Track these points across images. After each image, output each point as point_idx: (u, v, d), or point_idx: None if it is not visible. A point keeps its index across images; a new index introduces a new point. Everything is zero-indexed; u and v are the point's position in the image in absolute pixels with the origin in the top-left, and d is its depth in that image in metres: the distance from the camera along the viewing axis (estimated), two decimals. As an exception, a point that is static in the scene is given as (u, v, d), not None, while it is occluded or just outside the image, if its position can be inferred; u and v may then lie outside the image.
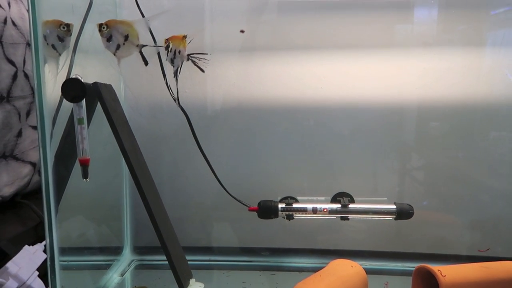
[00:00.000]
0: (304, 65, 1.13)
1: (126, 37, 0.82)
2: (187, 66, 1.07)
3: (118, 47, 0.82)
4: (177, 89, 1.00)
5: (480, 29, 1.12)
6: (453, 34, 1.12)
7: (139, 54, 0.91)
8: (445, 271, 0.84)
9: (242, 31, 1.09)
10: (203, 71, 0.94)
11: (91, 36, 0.99)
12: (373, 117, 1.14)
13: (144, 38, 0.94)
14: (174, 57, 0.87)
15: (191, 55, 0.91)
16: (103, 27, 0.81)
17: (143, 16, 0.98)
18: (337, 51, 1.14)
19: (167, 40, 0.89)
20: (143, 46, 0.86)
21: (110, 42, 0.81)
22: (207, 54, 0.93)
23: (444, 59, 1.11)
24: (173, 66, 0.89)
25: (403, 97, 1.13)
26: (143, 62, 0.90)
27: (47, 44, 0.75)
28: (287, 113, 1.15)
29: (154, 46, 0.89)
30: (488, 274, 0.88)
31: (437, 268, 0.85)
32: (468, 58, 1.12)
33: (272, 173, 1.17)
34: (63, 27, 0.77)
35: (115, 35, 0.81)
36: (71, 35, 0.79)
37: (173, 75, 0.94)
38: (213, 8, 1.13)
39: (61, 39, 0.77)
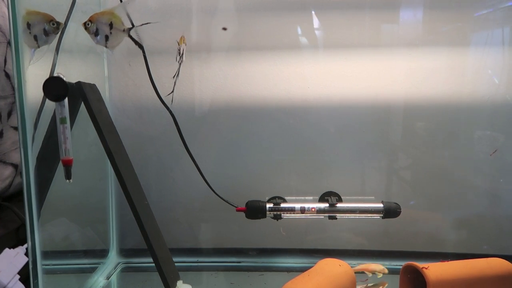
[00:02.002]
0: (291, 65, 1.14)
1: (111, 25, 0.81)
2: (168, 66, 1.07)
3: (106, 38, 0.81)
4: (174, 90, 1.00)
5: (465, 30, 1.13)
6: (438, 34, 1.14)
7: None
8: (431, 268, 0.84)
9: (224, 29, 1.09)
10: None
11: (75, 35, 0.98)
12: (360, 117, 1.15)
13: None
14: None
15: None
16: (88, 24, 0.80)
17: (128, 15, 0.97)
18: (324, 51, 1.14)
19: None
20: (130, 29, 0.84)
21: (98, 36, 0.80)
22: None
23: (429, 59, 1.13)
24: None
25: (390, 96, 1.14)
26: (137, 46, 0.89)
27: (29, 33, 0.74)
28: (274, 113, 1.15)
29: (139, 26, 0.87)
30: (474, 271, 0.89)
31: (423, 265, 0.85)
32: (453, 58, 1.13)
33: (261, 173, 1.17)
34: (53, 24, 0.76)
35: (100, 27, 0.80)
36: (57, 33, 0.78)
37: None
38: (201, 8, 1.13)
39: (46, 33, 0.76)
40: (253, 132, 1.16)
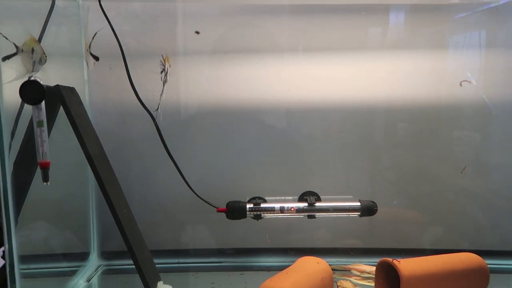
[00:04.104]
0: (273, 68, 1.15)
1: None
2: (151, 69, 1.08)
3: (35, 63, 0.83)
4: (158, 107, 1.01)
5: (445, 32, 1.17)
6: (420, 37, 1.16)
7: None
8: (404, 263, 0.87)
9: (197, 32, 1.10)
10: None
11: (54, 39, 0.98)
12: (342, 118, 1.17)
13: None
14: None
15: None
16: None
17: (107, 18, 0.98)
18: (306, 54, 1.16)
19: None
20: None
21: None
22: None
23: (411, 62, 1.15)
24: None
25: (372, 98, 1.17)
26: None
27: (31, 57, 0.80)
28: (255, 115, 1.17)
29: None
30: (445, 265, 0.92)
31: (396, 260, 0.88)
32: (434, 60, 1.16)
33: (242, 174, 1.18)
34: (45, 57, 0.83)
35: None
36: (44, 64, 0.84)
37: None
38: (185, 12, 1.14)
39: (40, 63, 0.82)
40: (234, 134, 1.17)
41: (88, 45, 1.02)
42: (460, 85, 1.14)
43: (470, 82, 1.13)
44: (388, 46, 1.17)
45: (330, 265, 0.96)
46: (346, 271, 1.08)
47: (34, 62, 0.80)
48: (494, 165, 1.20)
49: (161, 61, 1.03)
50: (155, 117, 1.02)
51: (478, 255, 0.97)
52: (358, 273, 1.06)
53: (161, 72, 1.04)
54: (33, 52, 0.80)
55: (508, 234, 1.08)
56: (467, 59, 1.17)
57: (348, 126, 1.18)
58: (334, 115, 1.17)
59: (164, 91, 1.04)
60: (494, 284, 0.96)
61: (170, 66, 1.04)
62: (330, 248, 1.19)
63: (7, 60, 0.78)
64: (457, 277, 0.92)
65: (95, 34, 1.06)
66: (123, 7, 1.10)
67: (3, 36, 0.78)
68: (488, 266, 0.96)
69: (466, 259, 0.95)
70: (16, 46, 0.79)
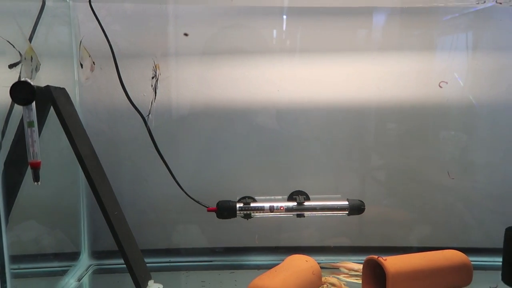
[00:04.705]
0: (263, 69, 1.17)
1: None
2: (141, 69, 1.09)
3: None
4: (149, 112, 1.01)
5: (433, 34, 1.19)
6: (408, 39, 1.19)
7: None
8: (390, 260, 0.89)
9: (185, 34, 1.11)
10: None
11: (45, 39, 0.99)
12: (331, 119, 1.19)
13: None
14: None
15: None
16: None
17: (97, 19, 0.99)
18: (295, 55, 1.18)
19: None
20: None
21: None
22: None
23: (400, 63, 1.17)
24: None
25: (361, 99, 1.19)
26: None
27: (30, 65, 0.84)
28: (245, 116, 1.18)
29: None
30: (430, 262, 0.94)
31: (382, 258, 0.90)
32: (422, 61, 1.18)
33: (233, 174, 1.19)
34: (39, 65, 0.87)
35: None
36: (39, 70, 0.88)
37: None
38: (175, 13, 1.15)
39: (36, 70, 0.86)
40: (224, 135, 1.18)
41: (85, 51, 1.03)
42: (440, 86, 1.17)
43: (447, 83, 1.16)
44: (377, 48, 1.19)
45: (319, 263, 0.98)
46: (335, 269, 1.10)
47: (32, 70, 0.83)
48: (480, 164, 1.22)
49: (153, 67, 1.04)
50: (146, 123, 1.02)
51: (463, 252, 1.00)
52: (346, 271, 1.08)
53: (152, 78, 1.05)
54: (32, 60, 0.83)
55: (492, 232, 1.11)
56: (455, 60, 1.20)
57: (337, 126, 1.19)
58: (323, 116, 1.19)
59: (156, 97, 1.05)
60: (477, 280, 0.99)
61: (160, 74, 1.05)
62: (319, 247, 1.21)
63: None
64: (441, 273, 0.94)
65: (80, 42, 1.07)
66: (114, 8, 1.10)
67: (11, 44, 0.80)
68: (472, 263, 0.98)
69: (450, 256, 0.98)
70: (21, 55, 0.82)
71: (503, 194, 1.21)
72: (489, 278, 1.02)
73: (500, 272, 0.96)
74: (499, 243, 0.97)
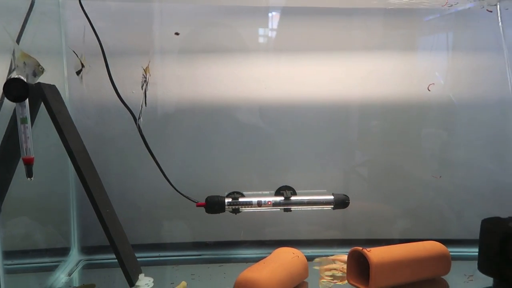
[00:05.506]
0: (250, 67, 1.19)
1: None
2: (131, 68, 1.10)
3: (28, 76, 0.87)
4: (140, 116, 1.03)
5: (415, 34, 1.23)
6: (392, 38, 1.22)
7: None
8: (373, 251, 0.93)
9: (176, 33, 1.13)
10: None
11: (33, 36, 0.99)
12: (317, 116, 1.21)
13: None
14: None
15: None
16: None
17: (87, 16, 0.99)
18: (282, 53, 1.21)
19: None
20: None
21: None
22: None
23: (383, 62, 1.21)
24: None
25: (346, 97, 1.22)
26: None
27: (24, 71, 0.84)
28: (233, 113, 1.20)
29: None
30: (411, 253, 0.98)
31: (367, 249, 0.94)
32: (404, 61, 1.22)
33: (221, 170, 1.21)
34: (41, 68, 0.88)
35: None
36: (41, 75, 0.89)
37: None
38: (160, 11, 1.16)
39: (35, 74, 0.87)
40: (213, 131, 1.20)
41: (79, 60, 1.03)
42: (428, 89, 1.21)
43: (434, 84, 1.20)
44: (362, 48, 1.22)
45: (306, 255, 1.01)
46: (330, 262, 1.13)
47: (27, 75, 0.84)
48: (459, 160, 1.27)
49: (143, 74, 1.05)
50: (136, 121, 1.03)
51: (442, 243, 1.04)
52: (342, 263, 1.09)
53: (142, 82, 1.06)
54: (25, 66, 0.84)
55: (470, 224, 1.15)
56: (436, 59, 1.24)
57: (323, 123, 1.22)
58: (309, 113, 1.21)
59: (146, 99, 1.06)
60: (455, 269, 1.04)
61: (150, 76, 1.06)
62: (305, 240, 1.23)
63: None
64: (422, 263, 0.98)
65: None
66: (97, 4, 1.10)
67: (13, 55, 0.82)
68: (451, 253, 1.03)
69: (430, 247, 1.02)
70: (14, 63, 0.83)
71: (480, 188, 1.26)
72: (467, 267, 1.06)
73: (476, 261, 1.00)
74: (476, 235, 1.01)
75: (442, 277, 1.04)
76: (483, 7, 1.14)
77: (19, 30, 0.91)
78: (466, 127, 1.26)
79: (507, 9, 1.12)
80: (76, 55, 1.02)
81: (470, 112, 1.25)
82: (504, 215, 1.03)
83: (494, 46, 1.16)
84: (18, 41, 0.89)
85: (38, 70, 0.86)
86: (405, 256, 0.97)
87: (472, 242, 1.05)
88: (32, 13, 0.95)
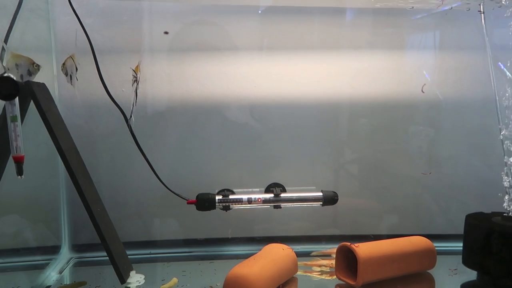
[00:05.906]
0: (239, 65, 1.20)
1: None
2: (120, 65, 1.10)
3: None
4: (131, 116, 1.03)
5: (403, 33, 1.24)
6: (380, 37, 1.24)
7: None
8: (361, 247, 0.95)
9: (166, 33, 1.13)
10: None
11: (22, 34, 0.98)
12: (306, 114, 1.23)
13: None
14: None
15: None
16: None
17: (75, 13, 0.98)
18: (272, 52, 1.22)
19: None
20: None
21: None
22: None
23: (372, 61, 1.22)
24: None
25: (335, 95, 1.23)
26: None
27: (17, 72, 0.85)
28: (223, 111, 1.21)
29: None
30: (398, 248, 1.00)
31: (355, 244, 0.96)
32: (393, 59, 1.24)
33: (211, 168, 1.21)
34: (36, 66, 0.88)
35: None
36: (38, 72, 0.89)
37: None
38: (152, 10, 1.16)
39: (29, 73, 0.87)
40: (204, 129, 1.21)
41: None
42: (422, 91, 1.23)
43: (425, 84, 1.22)
44: (350, 46, 1.23)
45: (296, 251, 1.03)
46: (327, 256, 1.15)
47: (21, 76, 0.84)
48: (444, 157, 1.30)
49: (133, 74, 1.05)
50: (127, 121, 1.03)
51: (428, 238, 1.07)
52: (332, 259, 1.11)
53: (133, 82, 1.06)
54: (17, 67, 0.84)
55: (454, 219, 1.18)
56: (424, 57, 1.26)
57: (312, 121, 1.24)
58: (299, 111, 1.23)
59: (137, 98, 1.06)
60: (440, 263, 1.06)
61: (141, 76, 1.06)
62: (294, 236, 1.25)
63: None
64: (408, 258, 1.01)
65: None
66: (87, 1, 1.10)
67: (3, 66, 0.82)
68: (436, 248, 1.05)
69: (416, 242, 1.04)
70: (3, 66, 0.83)
71: (465, 184, 1.29)
72: (451, 262, 1.09)
73: (461, 256, 1.03)
74: (461, 230, 1.03)
75: (428, 271, 1.06)
76: (469, 9, 1.17)
77: (7, 28, 0.90)
78: (452, 124, 1.29)
79: (493, 9, 1.14)
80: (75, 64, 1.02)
81: (456, 109, 1.27)
82: (487, 210, 1.05)
83: (479, 45, 1.18)
84: (7, 38, 0.89)
85: (33, 68, 0.86)
86: (392, 251, 0.99)
87: (457, 237, 1.08)
88: (20, 10, 0.94)
